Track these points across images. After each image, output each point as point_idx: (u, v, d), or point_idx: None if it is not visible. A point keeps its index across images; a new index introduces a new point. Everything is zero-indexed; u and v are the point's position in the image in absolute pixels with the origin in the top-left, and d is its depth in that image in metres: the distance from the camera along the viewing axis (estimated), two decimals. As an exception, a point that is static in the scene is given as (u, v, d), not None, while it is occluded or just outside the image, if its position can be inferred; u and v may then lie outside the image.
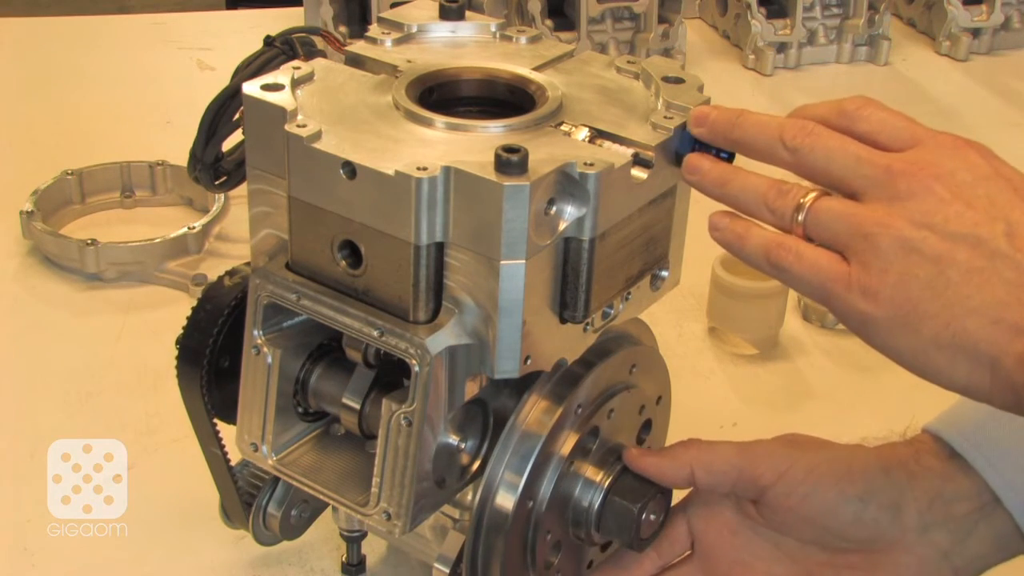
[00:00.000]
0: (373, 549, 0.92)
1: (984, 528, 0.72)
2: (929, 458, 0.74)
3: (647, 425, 0.79)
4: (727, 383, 1.16)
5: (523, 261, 0.64)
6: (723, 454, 0.75)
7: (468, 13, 0.82)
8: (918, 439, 0.76)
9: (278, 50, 1.03)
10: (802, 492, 0.73)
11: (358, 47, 0.78)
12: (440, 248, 0.66)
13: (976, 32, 1.92)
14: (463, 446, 0.73)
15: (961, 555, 0.72)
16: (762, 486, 0.74)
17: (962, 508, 0.72)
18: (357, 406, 0.75)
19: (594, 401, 0.75)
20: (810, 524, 0.74)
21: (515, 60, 0.77)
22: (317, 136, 0.66)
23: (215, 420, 0.79)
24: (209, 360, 0.76)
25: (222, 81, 1.05)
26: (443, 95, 0.75)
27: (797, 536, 0.75)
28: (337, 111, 0.70)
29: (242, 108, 0.71)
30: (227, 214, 1.33)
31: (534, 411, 0.72)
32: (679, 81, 0.74)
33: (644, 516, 0.74)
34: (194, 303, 0.77)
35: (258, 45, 1.05)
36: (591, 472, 0.75)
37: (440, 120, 0.69)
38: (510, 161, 0.62)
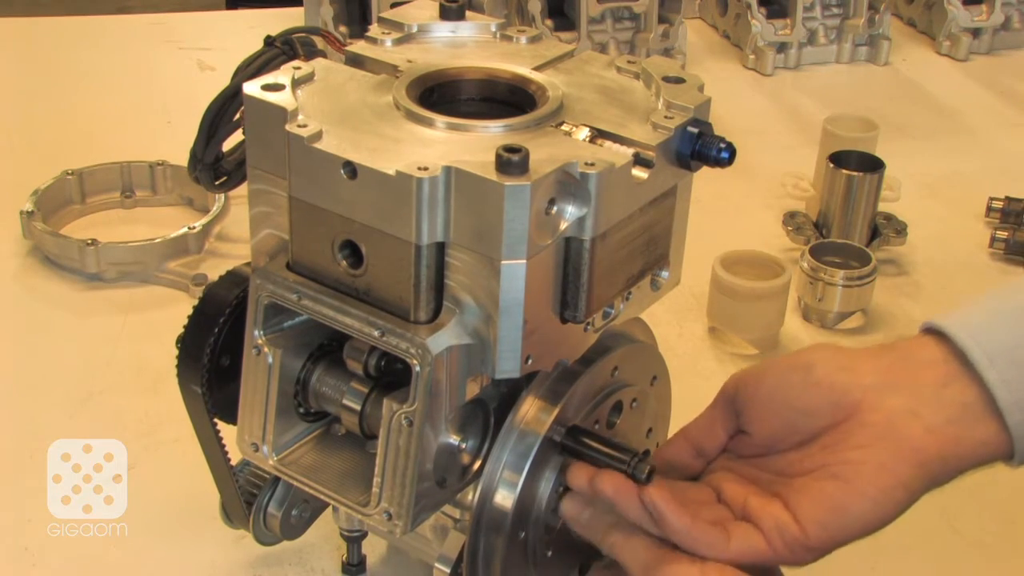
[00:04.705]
0: (374, 549, 0.92)
1: (953, 393, 0.69)
2: (899, 341, 0.74)
3: (618, 407, 0.79)
4: (727, 383, 1.16)
5: (524, 261, 0.64)
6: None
7: (468, 13, 0.82)
8: None
9: (278, 50, 1.03)
10: (756, 374, 0.74)
11: (358, 47, 0.78)
12: (441, 248, 0.66)
13: (976, 32, 1.92)
14: (464, 446, 0.73)
15: (933, 414, 0.69)
16: (731, 396, 0.75)
17: (928, 374, 0.70)
18: (358, 406, 0.75)
19: (592, 398, 0.75)
20: (772, 405, 0.73)
21: (515, 60, 0.77)
22: (318, 136, 0.66)
23: (215, 420, 0.79)
24: (209, 360, 0.76)
25: (222, 81, 1.05)
26: (444, 95, 0.75)
27: (769, 429, 0.74)
28: (338, 111, 0.70)
29: (242, 108, 0.71)
30: (227, 214, 1.33)
31: (532, 409, 0.72)
32: (679, 81, 0.74)
33: None
34: (194, 303, 0.77)
35: (258, 45, 1.05)
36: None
37: (441, 120, 0.69)
38: (511, 161, 0.62)
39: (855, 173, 1.30)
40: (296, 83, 0.71)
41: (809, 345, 0.75)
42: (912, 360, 0.71)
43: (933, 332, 0.71)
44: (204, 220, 1.30)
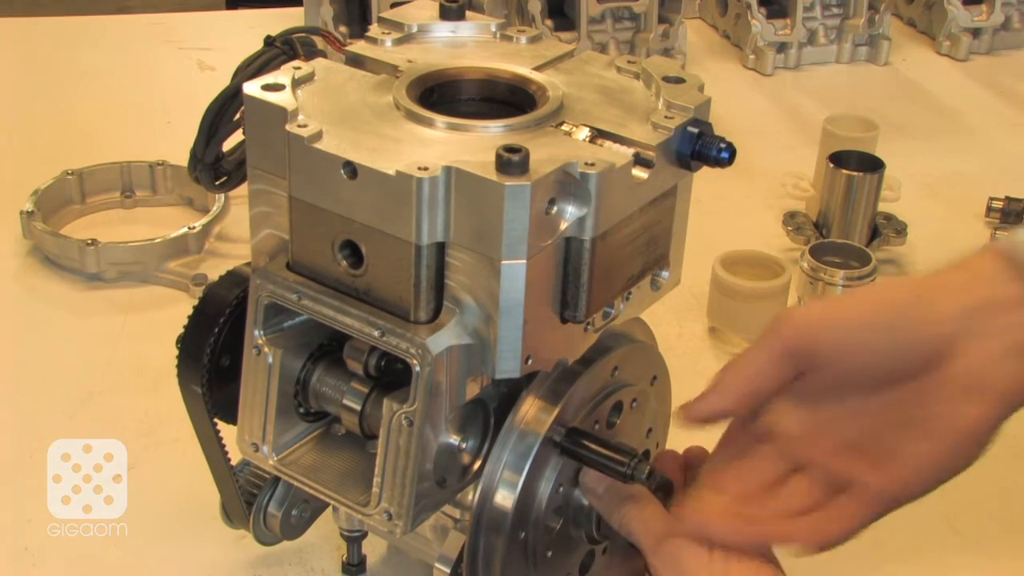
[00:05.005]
0: (374, 549, 0.92)
1: None
2: (976, 271, 0.71)
3: (618, 407, 0.79)
4: (727, 383, 1.16)
5: (524, 261, 0.64)
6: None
7: (468, 13, 0.82)
8: None
9: (278, 50, 1.03)
10: (826, 332, 0.72)
11: (358, 47, 0.78)
12: (441, 248, 0.66)
13: (976, 32, 1.92)
14: (464, 446, 0.73)
15: (1018, 359, 0.68)
16: (791, 348, 0.72)
17: (1012, 317, 0.68)
18: (358, 406, 0.75)
19: (592, 398, 0.75)
20: (848, 363, 0.71)
21: (515, 60, 0.77)
22: (318, 136, 0.66)
23: (215, 420, 0.79)
24: (209, 360, 0.76)
25: (222, 81, 1.05)
26: (444, 95, 0.75)
27: (838, 380, 0.72)
28: (338, 111, 0.70)
29: (243, 108, 0.71)
30: (227, 214, 1.33)
31: (532, 409, 0.72)
32: (679, 81, 0.74)
33: None
34: (194, 303, 0.77)
35: (258, 45, 1.05)
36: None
37: (441, 120, 0.69)
38: (511, 161, 0.62)
39: (855, 173, 1.30)
40: (296, 83, 0.71)
41: (872, 285, 0.72)
42: (994, 300, 0.69)
43: (1009, 257, 0.70)
44: (204, 220, 1.30)
